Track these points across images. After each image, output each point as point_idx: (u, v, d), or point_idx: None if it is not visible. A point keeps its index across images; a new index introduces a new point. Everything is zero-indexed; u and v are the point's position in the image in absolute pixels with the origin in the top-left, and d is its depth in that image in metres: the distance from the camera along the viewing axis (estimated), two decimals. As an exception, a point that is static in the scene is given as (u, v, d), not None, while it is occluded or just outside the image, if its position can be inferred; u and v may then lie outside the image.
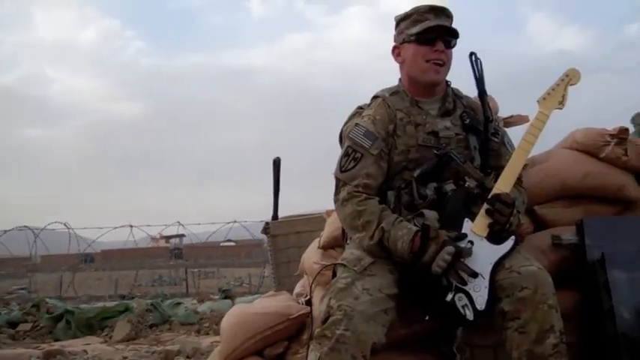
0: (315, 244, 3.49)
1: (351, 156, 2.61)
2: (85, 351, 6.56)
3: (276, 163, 6.06)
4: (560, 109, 2.57)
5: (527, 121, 3.47)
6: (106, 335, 7.90)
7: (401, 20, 2.72)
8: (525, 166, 3.14)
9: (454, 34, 2.68)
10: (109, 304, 9.36)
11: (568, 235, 3.02)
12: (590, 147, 3.27)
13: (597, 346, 2.81)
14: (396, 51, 2.76)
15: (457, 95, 2.80)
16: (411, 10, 2.69)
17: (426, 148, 2.63)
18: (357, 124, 2.68)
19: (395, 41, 2.77)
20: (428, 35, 2.63)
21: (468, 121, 2.70)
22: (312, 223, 5.15)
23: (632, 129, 3.66)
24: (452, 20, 2.70)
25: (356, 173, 2.58)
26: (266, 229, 5.74)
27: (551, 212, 3.19)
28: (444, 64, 2.69)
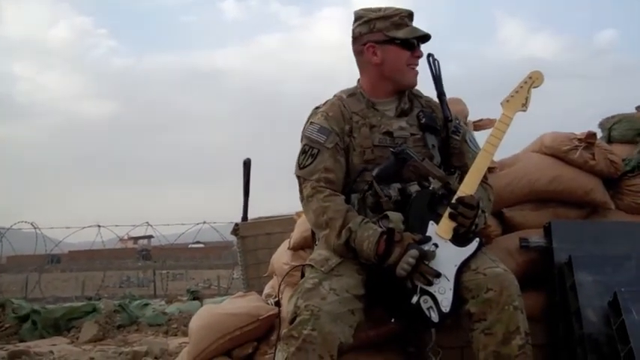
0: (285, 245, 3.50)
1: (308, 153, 2.64)
2: (52, 352, 6.48)
3: (247, 164, 6.05)
4: (524, 111, 2.57)
5: (497, 124, 3.50)
6: (73, 336, 7.80)
7: (377, 19, 2.70)
8: (494, 169, 3.17)
9: (426, 41, 2.75)
10: (76, 304, 9.24)
11: (536, 237, 3.05)
12: (558, 151, 3.30)
13: (564, 347, 2.83)
14: (372, 50, 2.72)
15: (416, 95, 2.83)
16: (391, 11, 2.70)
17: (381, 148, 2.65)
18: (311, 122, 2.71)
19: (363, 37, 2.74)
20: (412, 42, 2.69)
21: (424, 120, 2.72)
22: (281, 224, 5.15)
23: (600, 134, 3.70)
24: None
25: (314, 168, 2.60)
26: (235, 230, 5.73)
27: (519, 215, 3.22)
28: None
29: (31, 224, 17.67)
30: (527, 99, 2.57)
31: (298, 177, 2.67)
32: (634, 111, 3.86)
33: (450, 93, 2.86)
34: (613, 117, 3.75)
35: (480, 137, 3.28)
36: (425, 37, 2.72)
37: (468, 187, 2.49)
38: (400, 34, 2.67)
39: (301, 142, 2.75)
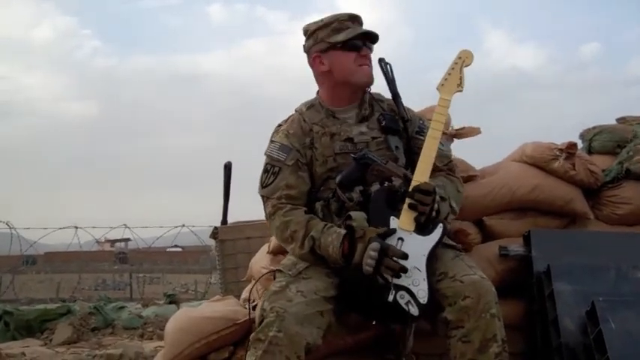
0: (264, 250, 3.48)
1: (269, 172, 2.66)
2: (24, 353, 6.39)
3: (227, 168, 6.02)
4: (460, 91, 2.56)
5: (479, 132, 3.50)
6: (46, 338, 7.70)
7: (318, 29, 2.71)
8: (474, 177, 3.18)
9: (375, 39, 2.72)
10: (50, 306, 9.12)
11: (515, 246, 3.06)
12: (539, 160, 3.32)
13: (542, 356, 2.84)
14: (318, 60, 2.74)
15: (377, 100, 2.82)
16: (329, 18, 2.70)
17: (343, 155, 2.65)
18: (272, 141, 2.73)
19: (311, 50, 2.75)
20: (354, 42, 2.66)
21: (384, 122, 2.71)
22: (261, 228, 5.12)
23: (580, 144, 3.72)
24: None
25: (275, 186, 2.62)
26: (214, 234, 5.69)
27: (499, 223, 3.23)
28: (370, 67, 2.72)
29: (7, 224, 17.45)
30: (461, 79, 2.55)
31: (262, 196, 2.68)
32: (614, 122, 3.89)
33: (433, 101, 2.85)
34: (594, 128, 3.77)
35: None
36: (369, 35, 2.70)
37: (420, 174, 2.46)
38: (340, 37, 2.65)
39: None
